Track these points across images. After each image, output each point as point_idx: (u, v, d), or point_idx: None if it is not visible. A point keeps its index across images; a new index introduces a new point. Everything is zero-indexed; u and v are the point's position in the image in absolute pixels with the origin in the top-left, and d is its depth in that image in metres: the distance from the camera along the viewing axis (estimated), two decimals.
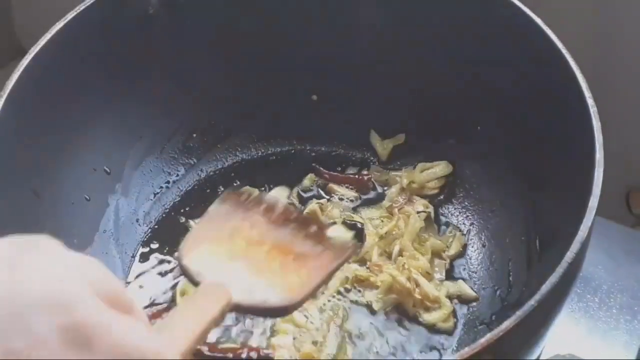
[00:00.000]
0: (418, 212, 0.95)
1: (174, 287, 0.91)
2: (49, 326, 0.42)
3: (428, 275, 0.89)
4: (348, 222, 0.95)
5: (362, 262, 0.91)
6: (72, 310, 0.43)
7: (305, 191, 0.99)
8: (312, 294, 0.70)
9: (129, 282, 0.91)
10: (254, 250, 0.71)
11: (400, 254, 0.91)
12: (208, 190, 1.00)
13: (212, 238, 0.71)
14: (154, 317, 0.87)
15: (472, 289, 0.89)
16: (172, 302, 0.89)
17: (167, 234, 0.96)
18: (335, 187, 0.99)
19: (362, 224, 0.94)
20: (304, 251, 0.72)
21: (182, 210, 0.98)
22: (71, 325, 0.43)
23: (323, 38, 0.99)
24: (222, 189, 0.99)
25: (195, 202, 0.99)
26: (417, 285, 0.87)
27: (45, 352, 0.42)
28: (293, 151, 1.04)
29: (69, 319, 0.43)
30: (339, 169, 1.01)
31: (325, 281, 0.73)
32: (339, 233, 0.89)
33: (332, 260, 0.72)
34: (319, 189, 0.99)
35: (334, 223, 0.94)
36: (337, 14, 0.98)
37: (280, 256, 0.71)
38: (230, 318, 0.86)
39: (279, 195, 0.97)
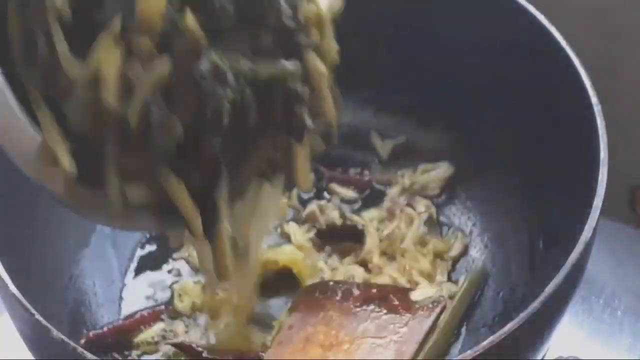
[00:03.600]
0: (419, 213, 0.94)
1: (172, 286, 0.90)
2: None
3: (430, 277, 0.88)
4: (349, 224, 0.94)
5: (363, 264, 0.90)
6: None
7: (305, 192, 0.97)
8: None
9: (125, 284, 0.90)
10: (332, 354, 0.70)
11: (402, 254, 0.90)
12: None
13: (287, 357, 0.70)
14: (152, 317, 0.86)
15: None
16: (170, 302, 0.88)
17: (165, 236, 0.94)
18: (335, 187, 0.98)
19: (362, 226, 0.93)
20: (387, 331, 0.71)
21: None
22: None
23: None
24: None
25: None
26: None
27: None
28: None
29: None
30: (340, 169, 1.00)
31: (419, 351, 0.73)
32: (423, 294, 0.83)
33: (421, 326, 0.72)
34: (319, 190, 0.98)
35: (417, 284, 0.88)
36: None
37: (363, 348, 0.70)
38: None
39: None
